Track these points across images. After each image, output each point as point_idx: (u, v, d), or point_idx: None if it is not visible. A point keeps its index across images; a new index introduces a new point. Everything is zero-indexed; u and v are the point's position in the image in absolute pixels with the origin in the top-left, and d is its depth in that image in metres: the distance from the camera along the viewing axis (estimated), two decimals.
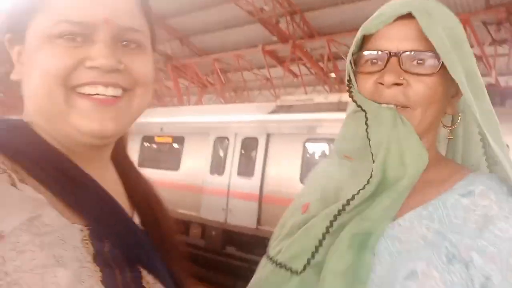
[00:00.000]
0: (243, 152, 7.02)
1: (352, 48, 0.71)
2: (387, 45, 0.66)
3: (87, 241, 0.51)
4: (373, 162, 0.66)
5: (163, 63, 14.01)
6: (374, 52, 0.68)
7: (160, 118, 8.63)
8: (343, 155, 0.77)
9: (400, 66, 0.65)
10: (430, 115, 0.66)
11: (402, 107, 0.66)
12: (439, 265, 0.57)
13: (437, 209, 0.62)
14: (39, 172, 0.52)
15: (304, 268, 0.66)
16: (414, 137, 0.65)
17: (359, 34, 0.71)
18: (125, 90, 0.57)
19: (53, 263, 0.46)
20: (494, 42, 8.23)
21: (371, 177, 0.65)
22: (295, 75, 11.98)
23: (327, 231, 0.66)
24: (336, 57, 11.60)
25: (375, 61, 0.68)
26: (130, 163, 0.74)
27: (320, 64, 11.72)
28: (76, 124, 0.54)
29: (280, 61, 11.70)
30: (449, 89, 0.68)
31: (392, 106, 0.66)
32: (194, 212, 7.16)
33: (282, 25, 10.69)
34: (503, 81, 7.79)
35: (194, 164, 7.54)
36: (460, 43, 0.67)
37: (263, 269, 0.74)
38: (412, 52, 0.65)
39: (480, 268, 0.56)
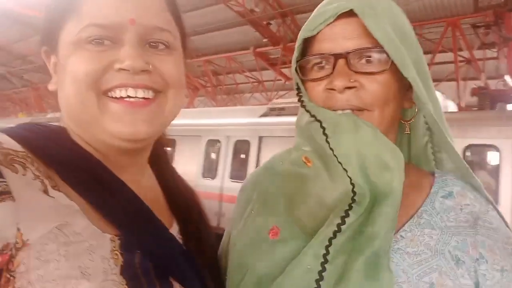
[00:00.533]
0: (235, 155, 6.99)
1: (295, 54, 0.66)
2: (331, 47, 0.61)
3: (116, 252, 0.50)
4: (346, 172, 0.59)
5: None
6: (318, 56, 0.63)
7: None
8: (301, 158, 0.68)
9: (349, 67, 0.60)
10: (389, 114, 0.62)
11: (358, 110, 0.61)
12: (449, 272, 0.56)
13: (431, 215, 0.61)
14: (72, 179, 0.52)
15: None
16: (383, 138, 0.60)
17: (299, 38, 0.65)
18: (156, 92, 0.56)
19: (77, 274, 0.45)
20: (483, 45, 8.31)
21: (353, 187, 0.58)
22: (287, 78, 11.99)
23: (325, 260, 0.56)
24: None
25: (322, 65, 0.63)
26: (171, 170, 0.72)
27: None
28: (109, 128, 0.54)
29: (272, 63, 11.71)
30: (402, 82, 0.64)
31: (349, 111, 0.61)
32: None
33: (273, 27, 10.70)
34: (492, 84, 7.88)
35: (186, 167, 7.50)
36: (407, 35, 0.64)
37: None
38: (359, 51, 0.60)
39: (492, 261, 0.56)
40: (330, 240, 0.57)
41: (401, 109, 0.67)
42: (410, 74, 0.60)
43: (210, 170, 7.19)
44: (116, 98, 0.54)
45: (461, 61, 9.05)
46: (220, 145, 7.17)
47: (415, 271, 0.57)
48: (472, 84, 7.73)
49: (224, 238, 0.76)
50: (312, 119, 0.63)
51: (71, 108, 0.56)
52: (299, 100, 0.66)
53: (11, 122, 13.45)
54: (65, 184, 0.51)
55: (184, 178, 0.74)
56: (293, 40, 10.86)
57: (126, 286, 0.49)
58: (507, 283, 0.56)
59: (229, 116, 7.71)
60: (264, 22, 10.56)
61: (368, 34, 0.60)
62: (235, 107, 11.09)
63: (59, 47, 0.58)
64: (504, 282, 0.55)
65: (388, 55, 0.60)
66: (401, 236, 0.60)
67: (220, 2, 9.94)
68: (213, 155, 7.30)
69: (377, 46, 0.60)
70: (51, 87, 0.61)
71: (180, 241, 0.62)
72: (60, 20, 0.57)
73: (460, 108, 7.74)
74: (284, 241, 0.62)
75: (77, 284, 0.45)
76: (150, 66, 0.56)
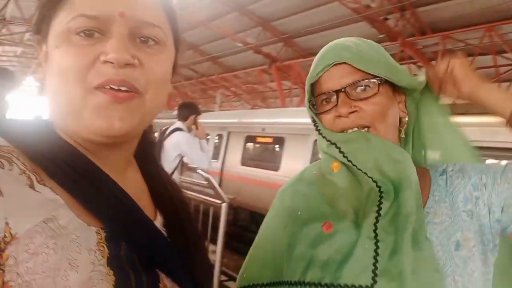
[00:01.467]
0: None
1: (307, 96, 0.86)
2: (332, 86, 0.81)
3: (102, 244, 0.50)
4: (366, 174, 0.76)
5: (268, 65, 14.41)
6: (325, 94, 0.82)
7: (262, 119, 8.88)
8: (330, 166, 0.83)
9: (349, 97, 0.79)
10: (389, 125, 0.82)
11: (363, 128, 0.79)
12: (468, 226, 0.74)
13: (440, 191, 0.80)
14: (58, 173, 0.52)
15: (374, 280, 0.70)
16: (389, 143, 0.79)
17: (307, 85, 0.85)
18: (139, 87, 0.55)
19: (65, 266, 0.46)
20: None
21: (376, 183, 0.75)
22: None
23: (377, 240, 0.72)
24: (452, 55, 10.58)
25: (328, 100, 0.82)
26: (156, 164, 0.72)
27: (433, 63, 10.81)
28: (86, 122, 0.53)
29: None
30: (393, 98, 0.84)
31: (356, 129, 0.79)
32: None
33: (391, 22, 10.14)
34: None
35: (294, 165, 7.61)
36: (387, 59, 0.85)
37: None
38: (353, 84, 0.80)
39: (500, 194, 0.75)
40: (375, 224, 0.73)
41: (399, 119, 0.86)
42: (405, 82, 0.85)
43: None
44: (99, 88, 0.53)
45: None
46: None
47: (443, 235, 0.75)
48: None
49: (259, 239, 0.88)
50: (329, 142, 0.82)
51: (56, 100, 0.56)
52: (316, 130, 0.86)
53: None
54: (51, 179, 0.51)
55: (169, 175, 0.73)
56: (414, 35, 10.19)
57: (114, 277, 0.49)
58: (506, 172, 0.77)
59: None
60: (381, 18, 10.08)
61: (356, 70, 0.80)
62: None
63: (49, 36, 0.56)
64: (503, 176, 0.76)
65: (377, 79, 0.80)
66: (426, 212, 0.78)
67: (335, 0, 9.81)
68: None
69: (366, 75, 0.80)
70: (38, 76, 0.60)
71: (164, 233, 0.62)
72: (52, 9, 0.56)
73: None
74: (338, 232, 0.77)
75: (65, 275, 0.46)
76: (136, 61, 0.54)
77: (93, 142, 0.56)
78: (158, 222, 0.63)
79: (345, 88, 0.79)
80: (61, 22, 0.54)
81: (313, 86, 0.85)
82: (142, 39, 0.56)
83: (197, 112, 4.02)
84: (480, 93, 0.84)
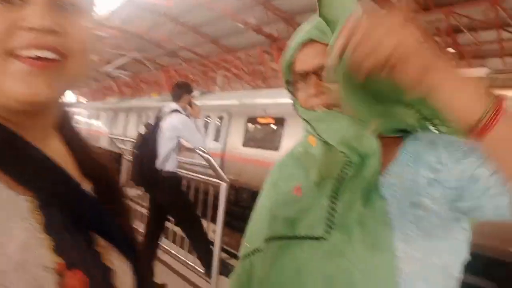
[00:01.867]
0: None
1: (284, 75, 0.90)
2: (305, 67, 0.84)
3: (36, 212, 0.50)
4: (335, 147, 0.82)
5: (268, 45, 14.24)
6: (298, 74, 0.85)
7: (263, 100, 8.85)
8: (307, 140, 0.91)
9: (319, 79, 0.82)
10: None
11: (332, 107, 0.82)
12: (427, 194, 0.75)
13: (407, 157, 0.80)
14: None
15: (327, 232, 0.77)
16: (353, 120, 0.80)
17: (283, 66, 0.89)
18: (62, 55, 0.54)
19: (0, 237, 0.46)
20: None
21: (344, 155, 0.81)
22: None
23: (335, 198, 0.79)
24: (456, 30, 10.40)
25: (303, 79, 0.85)
26: (76, 133, 0.72)
27: (436, 38, 10.64)
28: (8, 90, 0.52)
29: None
30: None
31: (325, 109, 0.83)
32: None
33: None
34: None
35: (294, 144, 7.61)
36: None
37: (281, 251, 0.82)
38: (324, 66, 0.80)
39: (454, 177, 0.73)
40: (336, 185, 0.80)
41: None
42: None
43: None
44: (20, 56, 0.51)
45: None
46: None
47: (404, 198, 0.76)
48: None
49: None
50: (304, 121, 0.88)
51: None
52: (294, 108, 0.92)
53: (146, 101, 15.14)
54: None
55: (92, 144, 0.74)
56: (416, 11, 9.92)
57: (53, 242, 0.49)
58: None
59: None
60: None
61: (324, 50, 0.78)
62: None
63: None
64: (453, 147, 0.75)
65: None
66: (388, 174, 0.79)
67: None
68: None
69: None
70: None
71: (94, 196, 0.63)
72: None
73: None
74: (305, 195, 0.85)
75: (3, 245, 0.45)
76: (58, 27, 0.53)
77: (15, 110, 0.54)
78: (87, 187, 0.63)
79: (316, 70, 0.82)
80: None
81: (290, 64, 0.89)
82: (62, 5, 0.55)
83: (190, 91, 3.98)
84: (443, 87, 0.61)
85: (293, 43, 0.87)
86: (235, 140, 9.10)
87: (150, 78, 24.31)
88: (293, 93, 0.91)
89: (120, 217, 0.65)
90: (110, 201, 0.65)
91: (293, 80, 0.88)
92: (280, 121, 8.11)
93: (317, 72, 0.83)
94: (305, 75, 0.85)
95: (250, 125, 9.02)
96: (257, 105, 8.67)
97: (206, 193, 4.16)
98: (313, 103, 0.85)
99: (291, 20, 12.97)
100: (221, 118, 9.68)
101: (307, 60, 0.84)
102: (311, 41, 0.84)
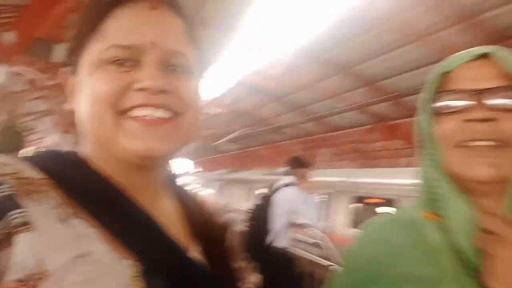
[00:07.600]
0: None
1: (425, 93, 0.71)
2: (472, 84, 0.66)
3: (137, 278, 0.49)
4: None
5: (375, 124, 14.05)
6: (454, 92, 0.67)
7: (371, 179, 8.52)
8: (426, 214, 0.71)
9: (487, 103, 0.63)
10: None
11: (494, 145, 0.62)
12: None
13: None
14: (91, 205, 0.52)
15: None
16: None
17: (432, 77, 0.71)
18: (173, 112, 0.57)
19: None
20: None
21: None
22: None
23: None
24: None
25: (457, 100, 0.66)
26: (189, 193, 0.72)
27: None
28: (124, 145, 0.54)
29: None
30: None
31: (492, 142, 0.62)
32: None
33: None
34: None
35: None
36: None
37: None
38: (502, 88, 0.64)
39: None
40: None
41: None
42: None
43: None
44: (133, 117, 0.54)
45: None
46: None
47: None
48: None
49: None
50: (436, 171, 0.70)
51: (88, 128, 0.57)
52: (422, 144, 0.73)
53: (252, 174, 15.71)
54: (84, 211, 0.51)
55: (203, 201, 0.72)
56: None
57: None
58: None
59: None
60: None
61: (504, 74, 0.64)
62: None
63: (79, 67, 0.58)
64: None
65: None
66: None
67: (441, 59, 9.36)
68: None
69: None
70: (67, 106, 0.61)
71: (202, 261, 0.60)
72: (83, 41, 0.58)
73: None
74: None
75: None
76: (170, 87, 0.56)
77: (129, 166, 0.56)
78: (196, 250, 0.62)
79: (487, 90, 0.64)
80: (93, 52, 0.57)
81: (438, 81, 0.71)
82: (171, 67, 0.58)
83: (305, 165, 4.00)
84: None
85: (461, 55, 0.71)
86: (341, 219, 8.75)
87: (257, 153, 25.45)
88: (432, 118, 0.70)
89: (230, 284, 0.63)
90: (218, 265, 0.63)
91: (439, 99, 0.69)
92: (389, 202, 7.63)
93: (488, 95, 0.64)
94: (466, 95, 0.65)
95: (357, 205, 8.65)
96: (366, 184, 8.34)
97: (311, 276, 3.96)
98: (471, 131, 0.64)
99: (398, 99, 12.76)
100: (328, 195, 9.51)
101: (476, 76, 0.66)
102: (483, 59, 0.67)
